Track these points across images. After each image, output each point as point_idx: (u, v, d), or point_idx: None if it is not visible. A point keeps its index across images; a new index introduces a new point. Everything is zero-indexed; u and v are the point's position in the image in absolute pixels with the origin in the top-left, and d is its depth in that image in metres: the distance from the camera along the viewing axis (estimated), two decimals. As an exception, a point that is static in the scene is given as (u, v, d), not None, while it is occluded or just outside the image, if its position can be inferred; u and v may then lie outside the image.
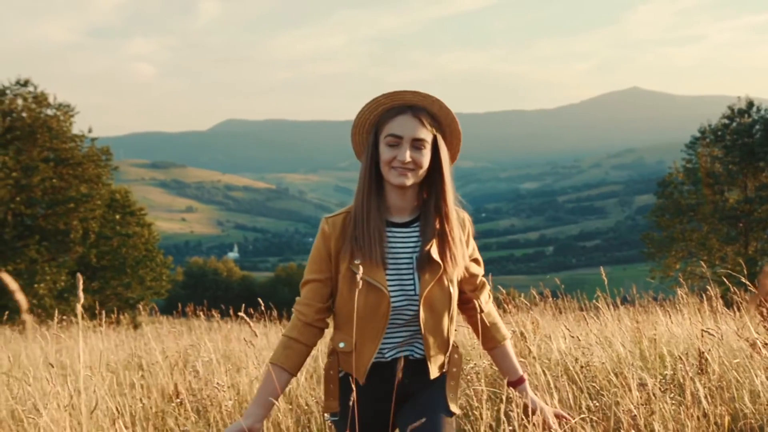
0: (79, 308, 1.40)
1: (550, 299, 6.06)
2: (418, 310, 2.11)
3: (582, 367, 3.34)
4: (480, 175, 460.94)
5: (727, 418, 2.41)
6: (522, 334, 3.85)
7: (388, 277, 2.10)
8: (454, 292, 2.16)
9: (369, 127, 2.19)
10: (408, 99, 2.11)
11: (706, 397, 2.47)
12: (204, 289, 62.69)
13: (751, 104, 27.87)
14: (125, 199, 30.28)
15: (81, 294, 1.32)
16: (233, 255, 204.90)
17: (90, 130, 27.20)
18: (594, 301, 5.55)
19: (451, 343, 2.20)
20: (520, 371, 2.30)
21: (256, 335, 2.94)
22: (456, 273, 2.15)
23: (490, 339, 2.30)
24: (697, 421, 2.38)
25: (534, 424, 2.15)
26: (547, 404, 2.33)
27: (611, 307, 5.11)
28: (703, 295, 4.72)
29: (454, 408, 2.19)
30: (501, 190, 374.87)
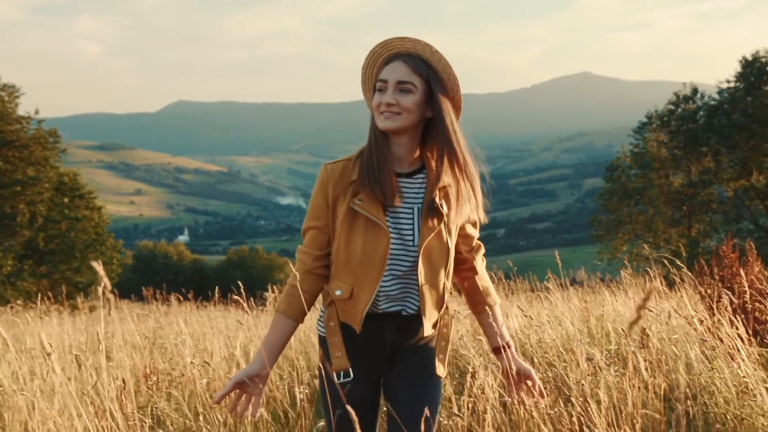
0: (101, 291, 1.50)
1: (503, 281, 6.27)
2: (416, 261, 2.11)
3: (535, 343, 3.55)
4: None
5: (664, 387, 2.64)
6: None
7: (388, 220, 2.10)
8: (452, 247, 2.16)
9: (373, 82, 2.20)
10: (398, 46, 2.14)
11: (646, 369, 2.70)
12: (154, 273, 61.83)
13: (695, 91, 28.67)
14: (74, 182, 29.70)
15: (107, 281, 1.42)
16: (183, 238, 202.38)
17: (37, 112, 26.61)
18: (545, 282, 5.77)
19: (445, 300, 2.19)
20: (507, 336, 2.27)
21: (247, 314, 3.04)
22: (457, 225, 2.16)
23: (479, 302, 2.28)
24: (638, 390, 2.60)
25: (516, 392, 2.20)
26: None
27: (561, 288, 5.34)
28: (647, 276, 4.99)
29: (441, 371, 2.20)
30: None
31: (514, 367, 2.22)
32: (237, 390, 2.07)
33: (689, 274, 4.54)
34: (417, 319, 2.16)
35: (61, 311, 7.77)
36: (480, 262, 2.29)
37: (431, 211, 2.10)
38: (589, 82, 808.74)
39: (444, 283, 2.16)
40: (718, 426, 2.20)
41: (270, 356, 2.11)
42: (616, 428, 2.22)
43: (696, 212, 27.32)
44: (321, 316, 2.21)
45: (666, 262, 4.33)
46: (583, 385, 2.47)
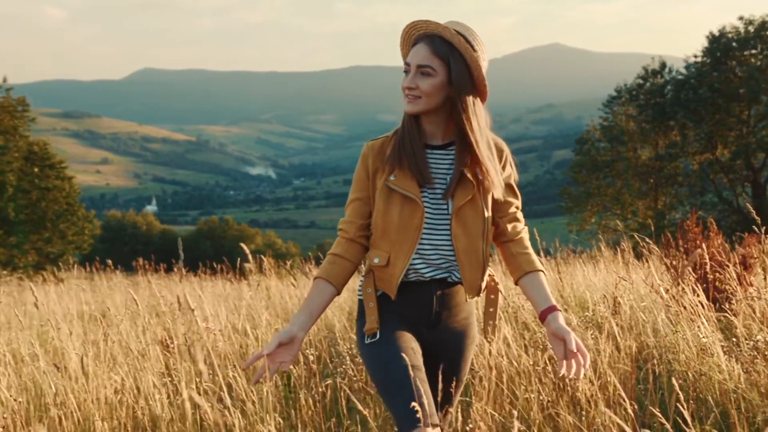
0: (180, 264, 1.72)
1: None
2: (451, 229, 2.18)
3: (514, 312, 3.86)
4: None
5: (634, 348, 2.95)
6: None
7: (423, 194, 2.18)
8: (488, 214, 2.21)
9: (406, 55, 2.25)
10: (423, 27, 2.19)
11: (618, 333, 3.01)
12: (123, 243, 61.45)
13: (663, 65, 29.13)
14: (44, 151, 29.40)
15: (181, 253, 1.64)
16: (151, 208, 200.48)
17: (5, 80, 26.24)
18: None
19: (487, 268, 2.24)
20: (552, 300, 2.20)
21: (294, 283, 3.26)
22: (489, 194, 2.21)
23: (516, 268, 2.25)
24: (612, 351, 2.92)
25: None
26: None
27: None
28: (617, 248, 5.33)
29: (490, 335, 2.27)
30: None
31: (552, 330, 2.13)
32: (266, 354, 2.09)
33: (656, 246, 4.88)
34: (461, 288, 2.23)
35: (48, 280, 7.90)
36: (513, 230, 2.27)
37: (461, 182, 2.18)
38: (559, 54, 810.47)
39: (483, 250, 2.21)
40: (680, 381, 2.51)
41: (308, 320, 2.16)
42: (595, 381, 2.53)
43: (663, 185, 27.94)
44: (361, 283, 2.28)
45: (636, 235, 4.65)
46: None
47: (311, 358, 2.93)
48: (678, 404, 2.05)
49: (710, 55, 27.11)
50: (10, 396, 2.82)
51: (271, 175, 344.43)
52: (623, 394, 2.01)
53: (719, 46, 26.90)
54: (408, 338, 2.17)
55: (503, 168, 2.26)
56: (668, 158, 27.51)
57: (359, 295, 2.28)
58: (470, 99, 2.17)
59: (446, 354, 2.24)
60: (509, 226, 2.27)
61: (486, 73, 2.18)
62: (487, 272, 2.26)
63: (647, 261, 4.92)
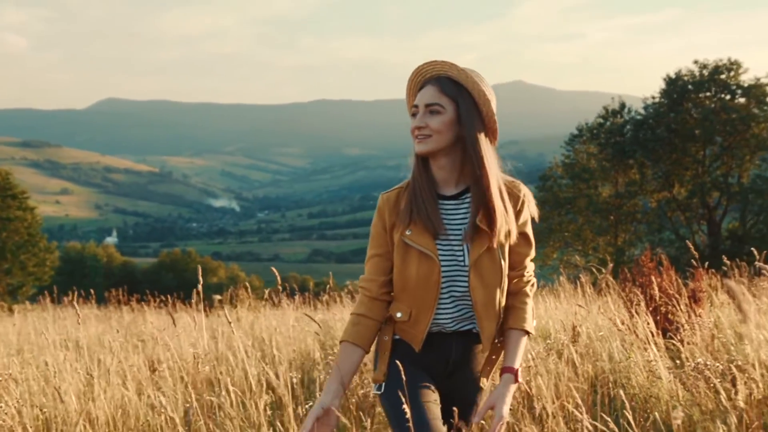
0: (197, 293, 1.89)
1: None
2: (469, 281, 2.14)
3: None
4: (368, 162, 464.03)
5: (591, 373, 3.20)
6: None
7: (439, 248, 2.14)
8: (505, 264, 2.17)
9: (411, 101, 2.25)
10: (429, 71, 2.18)
11: (577, 359, 3.26)
12: (82, 276, 60.45)
13: (623, 105, 30.01)
14: (6, 181, 29.11)
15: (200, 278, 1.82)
16: (112, 240, 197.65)
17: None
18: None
19: (501, 318, 2.21)
20: (517, 364, 2.17)
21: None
22: (505, 242, 2.16)
23: (506, 319, 2.22)
24: (571, 375, 3.16)
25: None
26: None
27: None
28: (577, 281, 5.62)
29: (484, 382, 2.26)
30: (388, 177, 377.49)
31: (497, 390, 2.12)
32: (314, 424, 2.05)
33: (614, 281, 5.19)
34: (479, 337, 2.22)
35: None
36: (518, 284, 2.24)
37: (475, 232, 2.13)
38: (522, 91, 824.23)
39: (500, 301, 2.19)
40: (632, 403, 2.76)
41: (340, 388, 2.11)
42: (556, 399, 2.76)
43: (622, 222, 28.60)
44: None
45: (594, 269, 4.95)
46: (530, 367, 3.01)
47: (294, 380, 3.12)
48: (627, 425, 2.29)
49: (667, 97, 28.03)
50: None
51: (234, 208, 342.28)
52: (578, 413, 2.25)
53: (676, 88, 27.84)
54: (426, 392, 2.15)
55: (520, 212, 2.21)
56: (628, 196, 28.20)
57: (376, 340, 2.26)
58: (481, 137, 2.15)
59: (459, 401, 2.22)
60: (515, 280, 2.24)
61: (495, 112, 2.17)
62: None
63: (606, 294, 5.21)
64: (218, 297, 7.16)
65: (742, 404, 2.41)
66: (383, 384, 2.18)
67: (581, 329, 3.78)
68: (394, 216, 2.19)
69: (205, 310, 8.86)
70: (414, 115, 2.17)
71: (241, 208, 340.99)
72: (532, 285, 2.27)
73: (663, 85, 28.46)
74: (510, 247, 2.21)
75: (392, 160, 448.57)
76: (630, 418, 2.11)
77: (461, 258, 2.15)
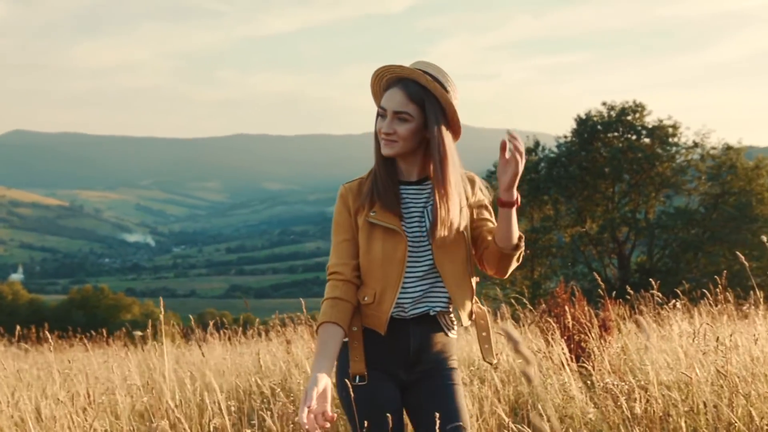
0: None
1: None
2: (433, 257, 2.24)
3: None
4: (288, 197, 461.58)
5: (511, 396, 3.45)
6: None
7: (403, 226, 2.24)
8: (467, 236, 2.29)
9: (378, 97, 2.31)
10: (397, 72, 2.23)
11: (498, 384, 3.50)
12: (-16, 314, 57.54)
13: (537, 143, 31.14)
14: None
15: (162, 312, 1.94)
16: (17, 276, 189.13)
17: None
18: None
19: (474, 291, 2.31)
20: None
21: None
22: (461, 224, 2.25)
23: (495, 247, 2.25)
24: (493, 399, 3.39)
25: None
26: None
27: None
28: (497, 313, 5.92)
29: (490, 359, 2.33)
30: (308, 212, 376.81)
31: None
32: (310, 410, 2.02)
33: (531, 312, 5.51)
34: (441, 320, 2.28)
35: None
36: (491, 235, 2.31)
37: (435, 216, 2.22)
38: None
39: (470, 272, 2.30)
40: (549, 423, 3.00)
41: (330, 365, 2.11)
42: (482, 424, 2.98)
43: (538, 256, 29.49)
44: None
45: (514, 302, 5.25)
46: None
47: (233, 408, 3.23)
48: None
49: (578, 136, 29.31)
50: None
51: (149, 243, 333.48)
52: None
53: (586, 128, 29.15)
54: (388, 397, 2.22)
55: (474, 194, 2.33)
56: (543, 231, 29.14)
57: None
58: (446, 137, 2.23)
59: (428, 389, 2.25)
60: (488, 235, 2.30)
61: (458, 110, 2.24)
62: (474, 298, 2.33)
63: (524, 324, 5.52)
64: (139, 332, 7.14)
65: (643, 418, 2.69)
66: (366, 374, 2.21)
67: (502, 356, 4.05)
68: (357, 202, 2.28)
69: (125, 346, 8.75)
70: (381, 116, 2.24)
71: (156, 243, 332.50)
72: None
73: (574, 125, 29.76)
74: (476, 221, 2.32)
75: (313, 194, 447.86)
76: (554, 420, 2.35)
77: (423, 238, 2.25)
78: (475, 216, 2.33)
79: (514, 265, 2.28)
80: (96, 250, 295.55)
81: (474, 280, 2.33)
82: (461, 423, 2.20)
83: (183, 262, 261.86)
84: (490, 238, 2.28)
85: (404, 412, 2.31)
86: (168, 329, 7.84)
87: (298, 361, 4.96)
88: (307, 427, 1.96)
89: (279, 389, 4.19)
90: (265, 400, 3.66)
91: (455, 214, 2.22)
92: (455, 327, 2.34)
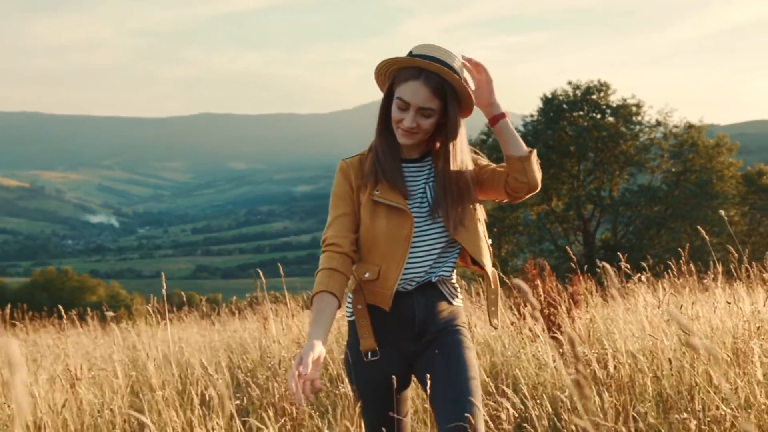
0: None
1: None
2: (442, 230, 2.26)
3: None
4: (253, 177, 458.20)
5: (487, 367, 3.61)
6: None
7: (408, 203, 2.24)
8: (474, 199, 2.32)
9: (387, 76, 2.28)
10: (421, 65, 2.18)
11: (477, 353, 3.66)
12: (-57, 297, 56.51)
13: (503, 122, 31.41)
14: None
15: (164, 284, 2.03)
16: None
17: None
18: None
19: (491, 251, 2.35)
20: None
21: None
22: (465, 198, 2.28)
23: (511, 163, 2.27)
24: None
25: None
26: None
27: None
28: (471, 288, 6.08)
29: (495, 322, 2.36)
30: (274, 192, 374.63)
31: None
32: (297, 377, 1.97)
33: (503, 288, 5.67)
34: (444, 287, 2.30)
35: None
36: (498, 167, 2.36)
37: (437, 193, 2.26)
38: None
39: (484, 234, 2.34)
40: (524, 389, 3.17)
41: (325, 334, 2.09)
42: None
43: (505, 234, 29.87)
44: (349, 302, 2.32)
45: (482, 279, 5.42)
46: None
47: (220, 381, 3.34)
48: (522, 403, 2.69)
49: (544, 115, 29.61)
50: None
51: (113, 224, 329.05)
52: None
53: (552, 107, 29.46)
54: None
55: (474, 161, 2.37)
56: (509, 209, 29.50)
57: (348, 315, 2.33)
58: (460, 122, 2.27)
59: (436, 348, 2.26)
60: (499, 169, 2.34)
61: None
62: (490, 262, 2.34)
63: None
64: (111, 313, 7.20)
65: (612, 383, 2.87)
66: (378, 350, 2.24)
67: (476, 329, 4.21)
68: (359, 179, 2.28)
69: (103, 326, 8.77)
70: (401, 109, 2.21)
71: (120, 224, 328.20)
72: None
73: (540, 104, 30.06)
74: (482, 170, 2.34)
75: (279, 174, 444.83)
76: (526, 391, 2.50)
77: (426, 212, 2.27)
78: (479, 170, 2.35)
79: (537, 168, 2.27)
80: (58, 232, 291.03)
81: (487, 243, 2.35)
82: (471, 375, 2.21)
83: (148, 243, 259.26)
84: (501, 169, 2.31)
85: (407, 393, 2.34)
86: (144, 309, 7.89)
87: (276, 338, 5.08)
88: (294, 392, 1.93)
89: (257, 365, 4.31)
90: (248, 374, 3.77)
91: (457, 191, 2.26)
92: (459, 294, 2.36)
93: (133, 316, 7.95)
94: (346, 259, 2.20)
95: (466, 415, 2.07)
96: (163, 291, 2.02)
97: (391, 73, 2.26)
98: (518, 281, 1.27)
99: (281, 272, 4.77)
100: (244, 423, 3.23)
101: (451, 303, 2.32)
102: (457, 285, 2.36)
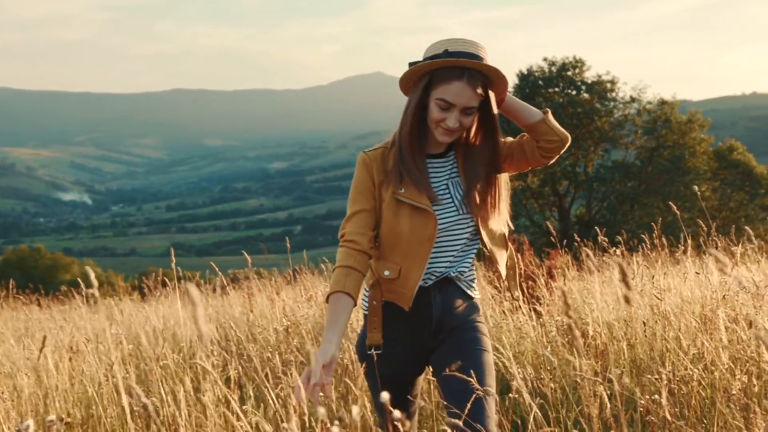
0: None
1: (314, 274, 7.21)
2: (468, 227, 2.24)
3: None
4: (228, 153, 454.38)
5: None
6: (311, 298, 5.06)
7: (432, 205, 2.19)
8: (505, 189, 2.31)
9: (422, 74, 2.21)
10: (467, 65, 2.13)
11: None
12: None
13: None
14: None
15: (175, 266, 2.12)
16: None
17: None
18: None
19: (508, 244, 2.34)
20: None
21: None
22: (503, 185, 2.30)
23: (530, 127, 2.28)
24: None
25: None
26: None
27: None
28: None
29: (515, 290, 2.43)
30: (249, 169, 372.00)
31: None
32: (308, 380, 1.93)
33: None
34: (461, 282, 2.27)
35: None
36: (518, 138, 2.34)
37: (466, 189, 2.25)
38: (382, 82, 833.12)
39: (505, 234, 2.33)
40: (509, 353, 3.34)
41: (340, 338, 2.05)
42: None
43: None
44: (366, 295, 2.31)
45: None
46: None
47: (216, 352, 3.48)
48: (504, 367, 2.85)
49: (520, 92, 29.75)
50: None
51: (86, 201, 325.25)
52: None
53: (528, 83, 29.64)
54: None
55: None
56: (485, 185, 29.73)
57: (364, 309, 2.32)
58: (496, 117, 2.24)
59: (452, 342, 2.25)
60: (519, 140, 2.32)
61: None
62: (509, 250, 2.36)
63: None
64: (92, 291, 7.27)
65: (589, 351, 3.06)
66: (381, 345, 2.23)
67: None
68: (382, 174, 2.22)
69: (87, 303, 8.83)
70: (443, 109, 2.16)
71: (93, 202, 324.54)
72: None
73: (516, 80, 30.21)
74: (510, 149, 2.30)
75: (253, 150, 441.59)
76: (511, 355, 2.67)
77: (452, 207, 2.24)
78: (504, 147, 2.32)
79: (558, 125, 2.26)
80: (29, 210, 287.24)
81: (508, 228, 2.35)
82: (483, 368, 2.18)
83: (122, 221, 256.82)
84: (525, 139, 2.31)
85: (415, 387, 2.36)
86: (125, 286, 7.98)
87: (262, 313, 5.22)
88: (302, 396, 1.87)
89: (244, 338, 4.44)
90: (241, 346, 3.92)
91: (485, 179, 2.26)
92: (475, 285, 2.35)
93: (117, 293, 8.02)
94: (363, 257, 2.17)
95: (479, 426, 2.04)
96: (173, 265, 2.13)
97: (427, 71, 2.18)
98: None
99: (264, 252, 4.88)
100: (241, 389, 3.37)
101: (468, 296, 2.30)
102: (474, 275, 2.34)
